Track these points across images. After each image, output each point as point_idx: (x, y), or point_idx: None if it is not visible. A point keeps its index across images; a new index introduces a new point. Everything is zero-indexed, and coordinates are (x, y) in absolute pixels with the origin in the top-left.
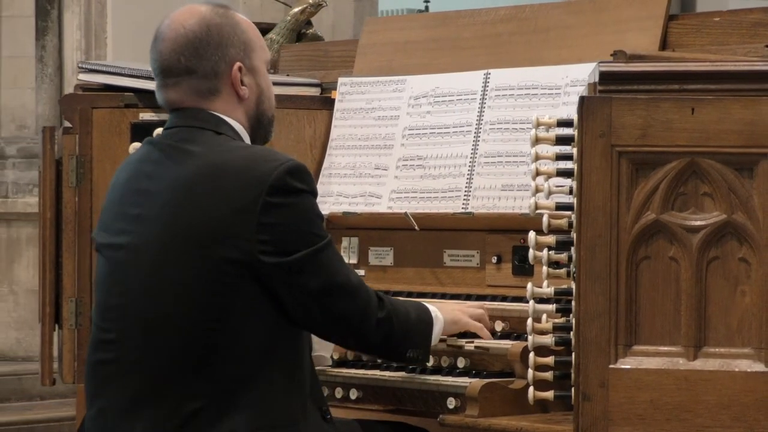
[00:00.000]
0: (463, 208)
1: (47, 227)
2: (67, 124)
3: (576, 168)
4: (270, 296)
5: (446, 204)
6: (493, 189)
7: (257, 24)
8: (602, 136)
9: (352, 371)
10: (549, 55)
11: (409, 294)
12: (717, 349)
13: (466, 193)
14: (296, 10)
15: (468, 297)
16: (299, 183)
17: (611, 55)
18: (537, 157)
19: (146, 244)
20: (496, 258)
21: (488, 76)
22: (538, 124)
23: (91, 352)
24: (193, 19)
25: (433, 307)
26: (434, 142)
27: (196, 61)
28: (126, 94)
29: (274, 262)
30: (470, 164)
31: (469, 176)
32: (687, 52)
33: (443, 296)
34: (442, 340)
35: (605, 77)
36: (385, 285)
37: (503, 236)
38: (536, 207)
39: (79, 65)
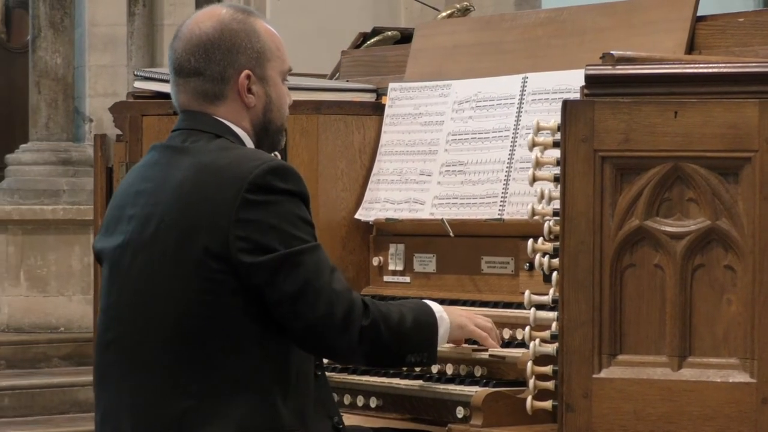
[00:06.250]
0: (499, 214)
1: (98, 234)
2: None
3: (560, 173)
4: (259, 298)
5: (484, 210)
6: (527, 195)
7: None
8: (585, 140)
9: (373, 379)
10: (584, 57)
11: (442, 301)
12: (702, 359)
13: (502, 199)
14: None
15: (495, 305)
16: (281, 183)
17: (600, 57)
18: (538, 163)
19: (137, 242)
20: (528, 265)
21: (526, 80)
22: (538, 129)
23: (95, 354)
24: (210, 22)
25: (440, 307)
26: (475, 148)
27: (204, 63)
28: None
29: (250, 261)
30: (507, 170)
31: (505, 182)
32: (712, 53)
33: (473, 303)
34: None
35: (590, 80)
36: (428, 292)
37: None
38: (533, 213)
39: (135, 73)
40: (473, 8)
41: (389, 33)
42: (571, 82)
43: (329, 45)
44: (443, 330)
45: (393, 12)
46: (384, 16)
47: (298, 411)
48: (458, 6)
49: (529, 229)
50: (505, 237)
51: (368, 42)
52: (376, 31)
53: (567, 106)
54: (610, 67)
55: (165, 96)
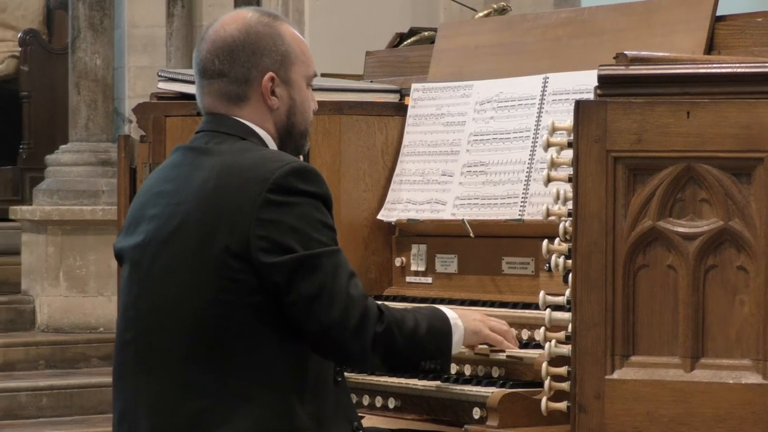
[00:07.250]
0: (519, 214)
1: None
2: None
3: (573, 174)
4: (278, 299)
5: (504, 210)
6: (548, 195)
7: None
8: (598, 141)
9: (391, 380)
10: (604, 58)
11: (463, 302)
12: (715, 361)
13: (522, 200)
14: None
15: (515, 305)
16: (303, 184)
17: (614, 58)
18: (553, 163)
19: (157, 241)
20: (548, 265)
21: (546, 80)
22: (554, 129)
23: (114, 355)
24: (236, 24)
25: (454, 314)
26: (496, 148)
27: (228, 65)
28: None
29: (269, 261)
30: (527, 170)
31: (526, 182)
32: (731, 54)
33: (493, 304)
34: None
35: (603, 81)
36: (450, 293)
37: None
38: (548, 213)
39: (159, 73)
40: (510, 8)
41: (426, 33)
42: (591, 82)
43: (368, 45)
44: (457, 337)
45: (432, 12)
46: (422, 16)
47: (316, 414)
48: (495, 6)
49: (550, 230)
50: (526, 237)
51: (405, 42)
52: (413, 32)
53: (579, 106)
54: (623, 67)
55: (188, 97)
